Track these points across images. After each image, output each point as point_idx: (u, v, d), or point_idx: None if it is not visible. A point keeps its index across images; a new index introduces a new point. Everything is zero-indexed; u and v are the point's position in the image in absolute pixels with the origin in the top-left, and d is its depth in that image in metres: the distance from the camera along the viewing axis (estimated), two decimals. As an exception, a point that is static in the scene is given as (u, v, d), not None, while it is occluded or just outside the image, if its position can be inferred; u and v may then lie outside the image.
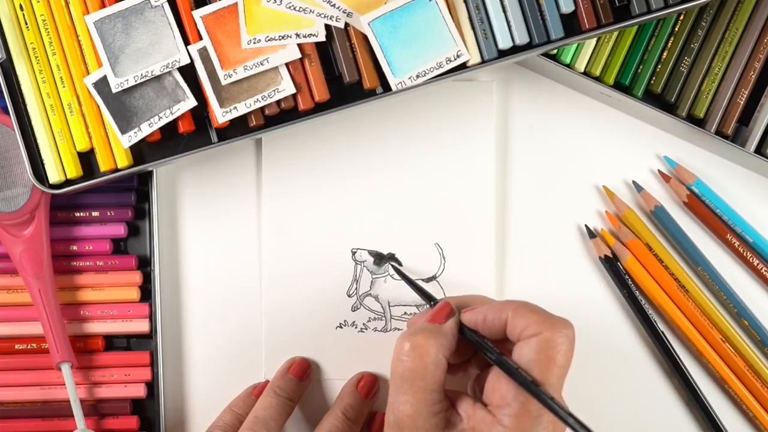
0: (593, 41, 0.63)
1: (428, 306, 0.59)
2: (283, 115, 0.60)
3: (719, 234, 0.65)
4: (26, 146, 0.58)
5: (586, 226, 0.66)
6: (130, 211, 0.64)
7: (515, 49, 0.60)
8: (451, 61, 0.60)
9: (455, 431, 0.52)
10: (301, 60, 0.59)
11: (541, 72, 0.66)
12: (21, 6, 0.59)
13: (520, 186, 0.66)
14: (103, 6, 0.59)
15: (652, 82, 0.64)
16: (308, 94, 0.60)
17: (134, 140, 0.59)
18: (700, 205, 0.65)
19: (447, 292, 0.64)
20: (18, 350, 0.63)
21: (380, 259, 0.64)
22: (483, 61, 0.60)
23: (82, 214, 0.64)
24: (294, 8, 0.59)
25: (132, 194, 0.64)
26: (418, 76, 0.59)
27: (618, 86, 0.64)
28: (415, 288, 0.61)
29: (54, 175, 0.59)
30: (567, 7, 0.59)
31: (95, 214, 0.64)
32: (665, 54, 0.64)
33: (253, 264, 0.65)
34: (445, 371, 0.52)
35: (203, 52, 0.59)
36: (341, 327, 0.64)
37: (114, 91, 0.58)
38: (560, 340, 0.50)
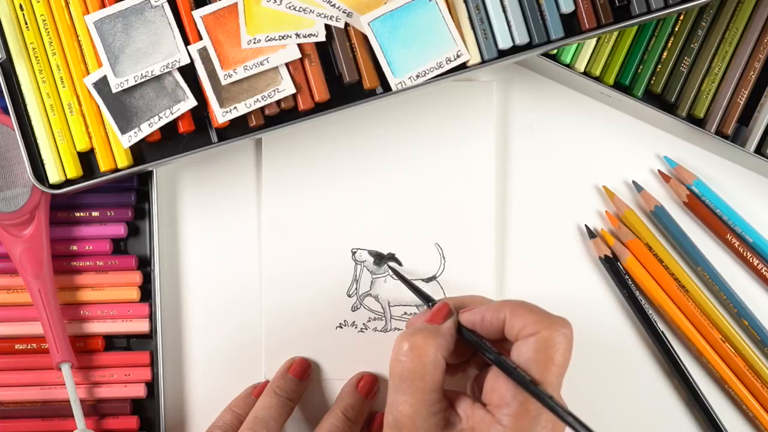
0: (593, 41, 0.63)
1: (427, 307, 0.59)
2: (283, 115, 0.60)
3: (719, 234, 0.65)
4: (26, 146, 0.58)
5: (586, 226, 0.66)
6: (130, 211, 0.64)
7: (515, 49, 0.60)
8: (451, 61, 0.60)
9: (454, 431, 0.52)
10: (301, 60, 0.59)
11: (541, 72, 0.66)
12: (21, 6, 0.59)
13: (520, 186, 0.66)
14: (103, 6, 0.59)
15: (652, 82, 0.64)
16: (308, 94, 0.60)
17: (134, 140, 0.59)
18: (700, 205, 0.65)
19: (447, 293, 0.64)
20: (18, 350, 0.63)
21: (380, 259, 0.64)
22: (483, 61, 0.60)
23: (82, 214, 0.64)
24: (294, 8, 0.59)
25: (132, 194, 0.64)
26: (418, 76, 0.59)
27: (618, 86, 0.64)
28: (412, 289, 0.61)
29: (54, 175, 0.59)
30: (567, 7, 0.59)
31: (95, 214, 0.64)
32: (665, 54, 0.64)
33: (253, 264, 0.65)
34: (443, 371, 0.52)
35: (203, 52, 0.59)
36: (341, 327, 0.64)
37: (114, 91, 0.58)
38: (558, 339, 0.50)
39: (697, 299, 0.65)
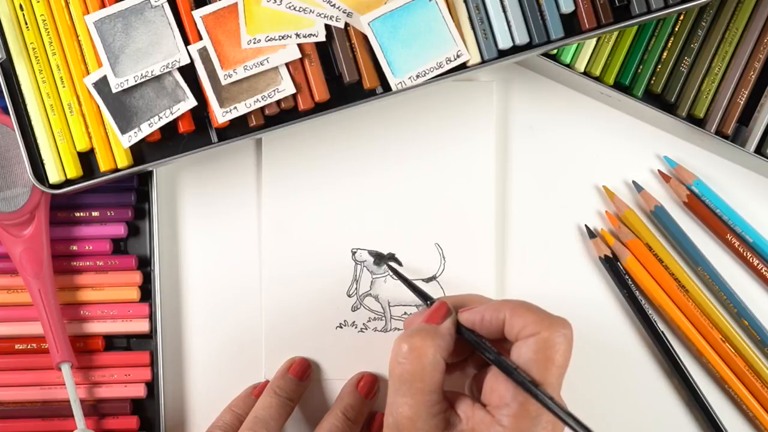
0: (593, 41, 0.63)
1: (425, 305, 0.59)
2: (283, 115, 0.60)
3: (719, 234, 0.65)
4: (26, 146, 0.58)
5: (586, 226, 0.66)
6: (130, 211, 0.64)
7: (515, 49, 0.60)
8: (451, 61, 0.60)
9: (455, 432, 0.52)
10: (301, 60, 0.59)
11: (541, 72, 0.66)
12: (21, 6, 0.59)
13: (520, 186, 0.66)
14: (103, 6, 0.59)
15: (652, 82, 0.64)
16: (308, 94, 0.60)
17: (134, 140, 0.59)
18: (700, 205, 0.65)
19: (447, 292, 0.64)
20: (18, 350, 0.63)
21: (380, 259, 0.64)
22: (483, 61, 0.60)
23: (82, 214, 0.64)
24: (294, 8, 0.59)
25: (132, 194, 0.64)
26: (418, 76, 0.59)
27: (618, 86, 0.64)
28: (411, 287, 0.61)
29: (54, 175, 0.59)
30: (567, 7, 0.59)
31: (95, 214, 0.64)
32: (665, 54, 0.64)
33: (253, 264, 0.65)
34: (443, 372, 0.52)
35: (203, 52, 0.59)
36: (341, 327, 0.64)
37: (114, 91, 0.58)
38: (558, 339, 0.50)
39: (697, 299, 0.65)
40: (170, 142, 0.60)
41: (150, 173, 0.63)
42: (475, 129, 0.65)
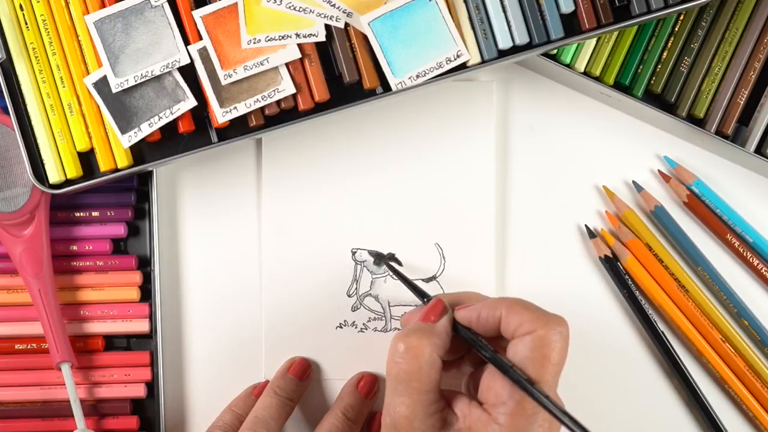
0: (593, 41, 0.63)
1: (422, 303, 0.59)
2: (283, 115, 0.60)
3: (719, 234, 0.65)
4: (26, 146, 0.58)
5: (586, 226, 0.66)
6: (130, 211, 0.64)
7: (515, 49, 0.60)
8: (451, 61, 0.60)
9: (452, 431, 0.52)
10: (301, 60, 0.59)
11: (541, 72, 0.66)
12: (21, 6, 0.59)
13: (520, 186, 0.66)
14: (103, 6, 0.59)
15: (652, 82, 0.64)
16: (308, 94, 0.60)
17: (134, 140, 0.59)
18: (700, 205, 0.65)
19: (447, 292, 0.64)
20: (18, 350, 0.63)
21: (380, 259, 0.64)
22: (483, 61, 0.60)
23: (82, 214, 0.64)
24: (294, 8, 0.59)
25: (132, 194, 0.64)
26: (418, 76, 0.59)
27: (618, 86, 0.64)
28: (408, 285, 0.60)
29: (54, 175, 0.59)
30: (567, 7, 0.59)
31: (95, 214, 0.64)
32: (665, 54, 0.64)
33: (253, 263, 0.65)
34: (440, 371, 0.52)
35: (203, 52, 0.59)
36: (341, 327, 0.64)
37: (114, 91, 0.58)
38: (555, 337, 0.50)
39: (697, 299, 0.65)
40: (170, 142, 0.60)
41: (150, 173, 0.63)
42: (475, 129, 0.65)
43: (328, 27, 0.59)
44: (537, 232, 0.66)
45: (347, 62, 0.60)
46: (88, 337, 0.63)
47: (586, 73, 0.64)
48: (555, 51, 0.62)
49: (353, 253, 0.65)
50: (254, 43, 0.59)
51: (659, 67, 0.64)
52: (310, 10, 0.59)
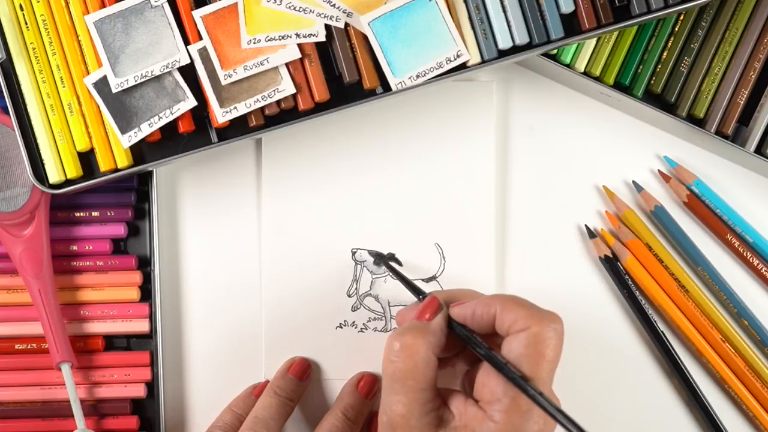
0: (593, 41, 0.63)
1: (417, 300, 0.59)
2: (283, 115, 0.60)
3: (719, 234, 0.65)
4: (26, 146, 0.58)
5: (586, 226, 0.66)
6: (130, 211, 0.64)
7: (515, 49, 0.60)
8: (451, 61, 0.60)
9: (448, 429, 0.52)
10: (301, 60, 0.59)
11: (541, 72, 0.66)
12: (21, 6, 0.59)
13: (520, 186, 0.66)
14: (103, 6, 0.59)
15: (652, 82, 0.64)
16: (308, 94, 0.60)
17: (134, 140, 0.59)
18: (700, 205, 0.65)
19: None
20: (18, 350, 0.63)
21: (380, 259, 0.64)
22: (483, 61, 0.60)
23: (82, 214, 0.64)
24: (294, 8, 0.59)
25: (132, 194, 0.64)
26: (418, 76, 0.59)
27: (618, 86, 0.64)
28: (404, 282, 0.61)
29: (54, 175, 0.59)
30: (567, 7, 0.59)
31: (95, 214, 0.64)
32: (665, 54, 0.64)
33: (253, 263, 0.65)
34: (435, 369, 0.52)
35: (203, 52, 0.59)
36: (341, 327, 0.64)
37: (114, 91, 0.58)
38: (549, 334, 0.50)
39: (697, 299, 0.65)
40: (170, 142, 0.60)
41: (150, 173, 0.63)
42: (475, 129, 0.65)
43: (328, 27, 0.59)
44: (537, 232, 0.66)
45: (347, 62, 0.60)
46: (88, 337, 0.63)
47: (586, 73, 0.64)
48: (555, 51, 0.62)
49: (353, 253, 0.65)
50: (254, 43, 0.59)
51: (659, 67, 0.64)
52: (310, 10, 0.59)
